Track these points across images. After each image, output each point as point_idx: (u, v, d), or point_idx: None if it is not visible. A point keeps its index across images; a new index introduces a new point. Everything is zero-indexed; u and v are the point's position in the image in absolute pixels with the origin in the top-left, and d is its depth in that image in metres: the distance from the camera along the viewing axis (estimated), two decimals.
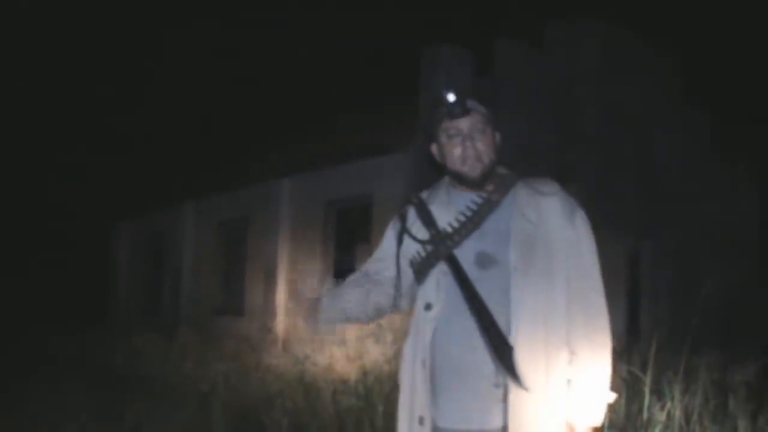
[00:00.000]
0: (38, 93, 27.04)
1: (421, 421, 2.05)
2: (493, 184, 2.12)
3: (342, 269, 11.69)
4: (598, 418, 2.01)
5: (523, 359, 1.93)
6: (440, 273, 2.08)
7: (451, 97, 2.08)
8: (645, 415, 4.21)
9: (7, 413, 6.40)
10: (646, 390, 4.21)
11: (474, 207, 2.08)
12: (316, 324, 2.36)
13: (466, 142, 2.08)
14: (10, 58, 25.54)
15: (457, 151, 2.09)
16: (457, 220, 2.08)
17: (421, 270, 2.12)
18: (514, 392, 1.94)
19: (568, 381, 2.01)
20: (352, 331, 9.43)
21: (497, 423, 1.98)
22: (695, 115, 12.21)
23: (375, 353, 7.95)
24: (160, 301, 15.46)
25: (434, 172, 2.24)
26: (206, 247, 14.41)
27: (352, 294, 2.29)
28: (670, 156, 11.50)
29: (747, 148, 13.29)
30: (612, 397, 2.04)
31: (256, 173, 13.29)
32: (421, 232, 2.13)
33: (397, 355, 6.83)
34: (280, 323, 11.75)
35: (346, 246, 11.65)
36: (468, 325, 2.00)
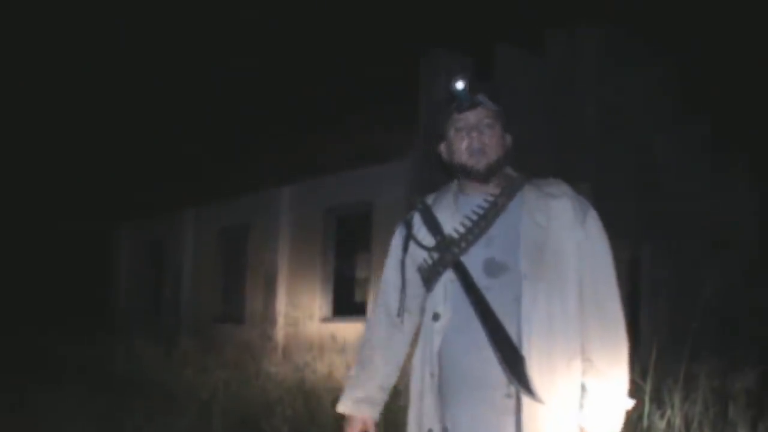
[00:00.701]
0: (39, 95, 27.07)
1: None
2: (500, 187, 2.06)
3: (342, 277, 11.70)
4: (617, 427, 1.95)
5: (535, 370, 1.87)
6: (447, 281, 2.02)
7: (460, 84, 2.03)
8: (645, 422, 4.20)
9: (7, 417, 6.41)
10: (646, 398, 4.20)
11: (480, 211, 2.02)
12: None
13: (472, 133, 2.04)
14: (10, 58, 25.57)
15: (464, 144, 2.05)
16: (463, 225, 2.02)
17: (428, 278, 2.07)
18: (527, 403, 1.88)
19: (584, 389, 1.95)
20: (351, 339, 9.42)
21: None
22: (694, 116, 12.22)
23: None
24: (160, 308, 15.45)
25: (443, 174, 2.19)
26: (206, 255, 14.41)
27: (380, 368, 2.24)
28: (669, 158, 11.50)
29: (746, 150, 13.30)
30: (630, 403, 1.98)
31: (257, 181, 13.30)
32: (427, 239, 2.08)
33: None
34: (280, 331, 11.74)
35: (346, 253, 11.65)
36: (477, 334, 1.94)
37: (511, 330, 1.91)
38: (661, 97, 11.48)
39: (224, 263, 14.08)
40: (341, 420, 2.29)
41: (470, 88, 2.04)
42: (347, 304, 11.31)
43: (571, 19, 10.88)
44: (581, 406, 1.95)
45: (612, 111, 10.45)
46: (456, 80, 2.04)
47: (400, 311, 2.16)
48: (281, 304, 12.03)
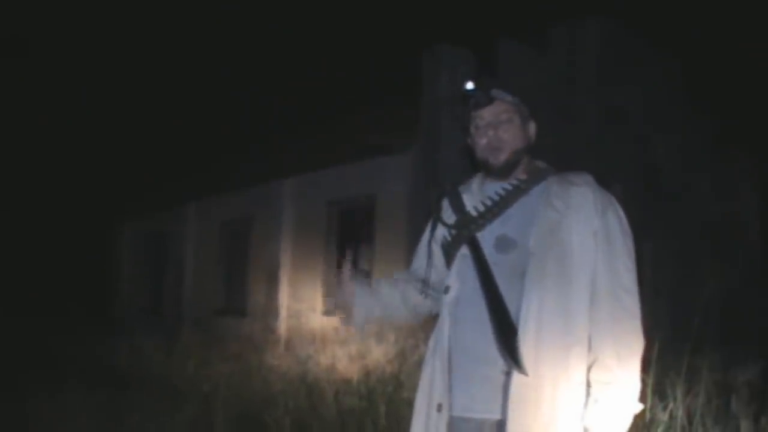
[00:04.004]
0: (39, 92, 27.08)
1: (439, 408, 2.00)
2: (526, 174, 2.11)
3: (344, 270, 11.69)
4: (623, 429, 1.91)
5: (530, 345, 1.85)
6: (461, 256, 2.06)
7: (469, 86, 2.08)
8: (647, 416, 4.20)
9: (7, 413, 6.41)
10: (649, 391, 4.19)
11: (503, 193, 2.07)
12: (357, 322, 2.31)
13: (489, 131, 2.08)
14: (10, 56, 25.57)
15: (483, 142, 2.10)
16: (483, 204, 2.08)
17: (447, 254, 2.12)
18: (517, 378, 1.86)
19: (590, 386, 1.92)
20: (354, 331, 9.43)
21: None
22: (696, 116, 12.20)
23: (377, 353, 7.95)
24: (162, 301, 15.48)
25: (471, 166, 2.24)
26: (209, 247, 14.43)
27: (386, 289, 2.30)
28: (670, 157, 11.49)
29: (747, 149, 13.27)
30: (639, 408, 1.93)
31: (259, 173, 13.30)
32: (451, 218, 2.14)
33: (399, 356, 6.84)
34: (283, 323, 11.76)
35: (349, 246, 11.65)
36: (481, 309, 1.95)
37: (512, 305, 1.91)
38: (664, 96, 11.46)
39: (226, 256, 14.10)
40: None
41: (484, 84, 2.08)
42: None
43: (574, 14, 10.85)
44: (586, 404, 1.92)
45: (614, 108, 10.42)
46: (465, 82, 2.09)
47: (425, 294, 2.22)
48: (284, 296, 12.04)
